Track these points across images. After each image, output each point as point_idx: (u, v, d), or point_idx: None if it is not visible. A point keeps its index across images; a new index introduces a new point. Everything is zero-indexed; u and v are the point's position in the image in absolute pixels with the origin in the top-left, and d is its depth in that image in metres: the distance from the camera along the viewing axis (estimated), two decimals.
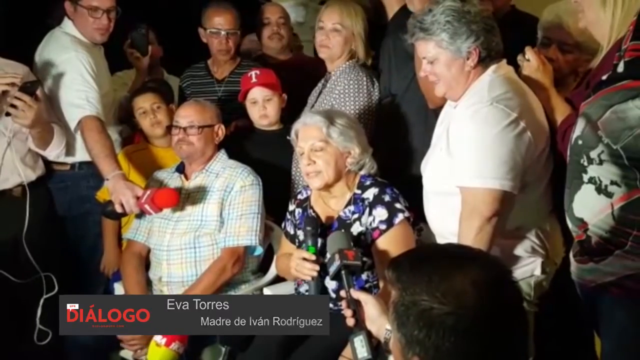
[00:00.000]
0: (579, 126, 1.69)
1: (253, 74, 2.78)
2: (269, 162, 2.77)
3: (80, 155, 2.72)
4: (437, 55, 2.00)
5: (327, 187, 2.29)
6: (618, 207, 1.61)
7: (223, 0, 3.10)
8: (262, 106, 2.79)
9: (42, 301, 2.48)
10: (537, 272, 2.05)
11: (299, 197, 2.44)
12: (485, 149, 1.90)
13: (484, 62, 2.00)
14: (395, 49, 2.69)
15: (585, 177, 1.65)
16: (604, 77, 1.65)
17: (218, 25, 3.02)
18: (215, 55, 3.11)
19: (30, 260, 2.46)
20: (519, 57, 2.12)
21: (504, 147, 1.89)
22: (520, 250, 2.04)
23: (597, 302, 1.74)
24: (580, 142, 1.67)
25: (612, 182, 1.60)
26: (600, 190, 1.62)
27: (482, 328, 1.02)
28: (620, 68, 1.61)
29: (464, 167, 1.94)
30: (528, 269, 2.04)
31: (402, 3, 2.71)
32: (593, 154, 1.63)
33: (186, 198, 2.56)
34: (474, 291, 1.03)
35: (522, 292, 1.14)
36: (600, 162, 1.62)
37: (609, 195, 1.61)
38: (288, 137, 2.82)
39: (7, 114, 2.42)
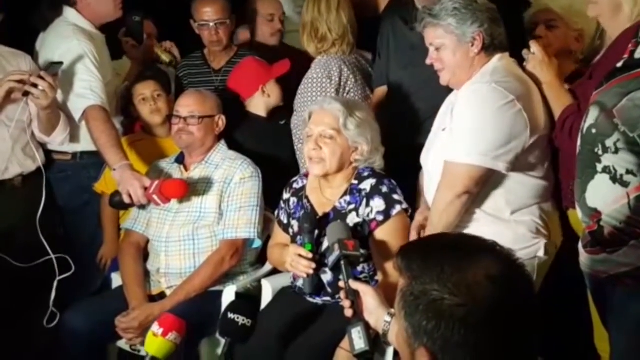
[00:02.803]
0: (592, 115, 1.67)
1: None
2: (267, 152, 2.76)
3: (83, 144, 2.70)
4: (445, 41, 2.08)
5: (326, 175, 2.28)
6: (634, 197, 1.58)
7: None
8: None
9: (55, 283, 2.48)
10: (541, 253, 2.07)
11: (295, 185, 2.42)
12: (478, 126, 1.97)
13: (487, 51, 2.08)
14: (395, 35, 2.70)
15: (599, 167, 1.63)
16: (619, 65, 1.64)
17: (206, 17, 2.98)
18: (208, 46, 3.09)
19: (42, 244, 2.45)
20: (525, 52, 2.17)
21: (497, 126, 1.95)
22: (524, 230, 2.06)
23: (608, 293, 1.73)
24: (593, 130, 1.65)
25: (628, 171, 1.58)
26: (616, 179, 1.60)
27: (493, 322, 0.99)
28: (639, 54, 1.60)
29: (454, 142, 2.00)
30: (532, 250, 2.06)
31: None
32: (609, 143, 1.61)
33: None
34: (487, 284, 1.01)
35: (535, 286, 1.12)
36: (616, 151, 1.60)
37: (625, 184, 1.59)
38: (280, 122, 2.82)
39: (25, 94, 2.41)
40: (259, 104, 2.86)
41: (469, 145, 1.98)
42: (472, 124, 1.99)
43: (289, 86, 2.85)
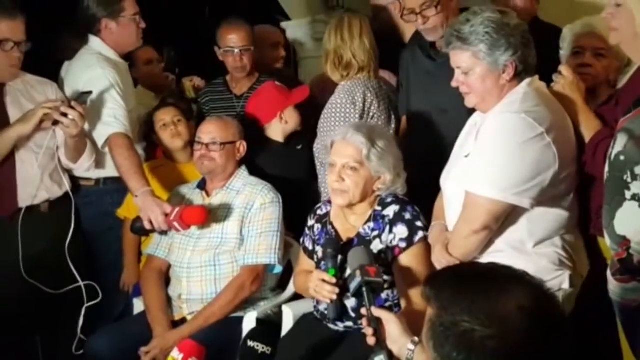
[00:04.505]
0: (620, 142, 1.66)
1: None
2: (284, 176, 2.76)
3: (108, 170, 2.73)
4: (473, 67, 1.98)
5: (350, 205, 2.27)
6: None
7: (236, 18, 3.11)
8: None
9: (83, 310, 2.50)
10: (566, 285, 1.98)
11: (319, 212, 2.41)
12: (502, 160, 1.89)
13: (519, 77, 1.98)
14: (414, 63, 2.69)
15: (628, 194, 1.62)
16: None
17: (231, 43, 3.03)
18: (231, 72, 3.14)
19: (69, 269, 2.49)
20: (555, 75, 2.12)
21: (522, 161, 1.88)
22: (546, 262, 1.98)
23: (639, 322, 1.70)
24: (622, 157, 1.64)
25: None
26: None
27: (524, 353, 0.98)
28: None
29: (477, 171, 1.94)
30: (555, 282, 1.97)
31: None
32: (638, 170, 1.59)
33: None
34: (519, 315, 0.99)
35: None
36: None
37: None
38: (297, 147, 2.84)
39: (55, 123, 2.45)
40: (277, 129, 2.88)
41: (491, 179, 1.89)
42: (496, 157, 1.90)
43: (301, 112, 2.89)
